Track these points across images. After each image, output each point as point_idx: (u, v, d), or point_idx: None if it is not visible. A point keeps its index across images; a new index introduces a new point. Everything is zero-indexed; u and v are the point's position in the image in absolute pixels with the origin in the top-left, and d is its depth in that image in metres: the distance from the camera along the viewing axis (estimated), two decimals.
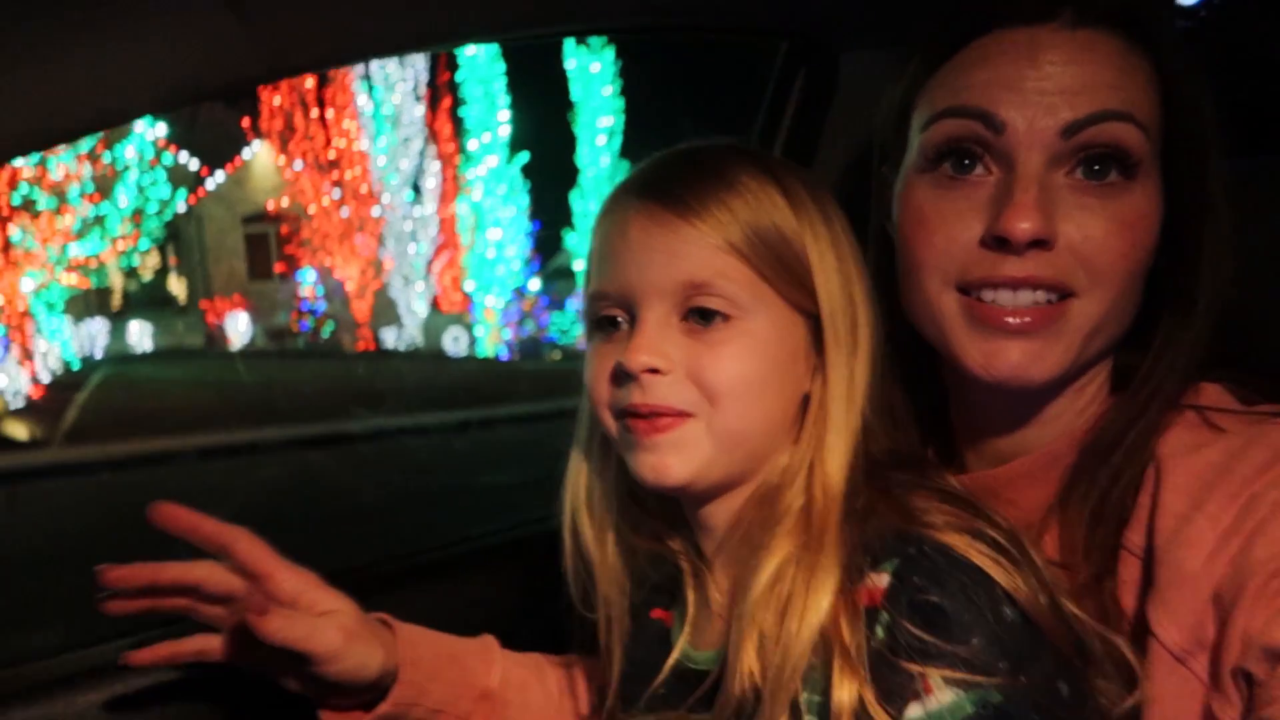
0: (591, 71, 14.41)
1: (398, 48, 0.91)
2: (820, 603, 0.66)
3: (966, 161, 0.74)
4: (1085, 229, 0.70)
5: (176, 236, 15.54)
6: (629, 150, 14.69)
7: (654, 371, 0.73)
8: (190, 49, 0.72)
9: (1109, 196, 0.71)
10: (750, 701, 0.69)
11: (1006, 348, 0.73)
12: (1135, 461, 0.73)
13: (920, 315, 0.79)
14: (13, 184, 9.70)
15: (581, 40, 14.14)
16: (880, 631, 0.63)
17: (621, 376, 0.75)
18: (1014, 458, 0.80)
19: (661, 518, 0.86)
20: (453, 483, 6.48)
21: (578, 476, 0.88)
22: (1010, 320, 0.72)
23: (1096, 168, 0.71)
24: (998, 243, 0.71)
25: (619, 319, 0.77)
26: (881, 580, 0.64)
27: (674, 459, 0.74)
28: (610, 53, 14.29)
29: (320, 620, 0.82)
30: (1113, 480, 0.73)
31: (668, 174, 0.77)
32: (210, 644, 0.86)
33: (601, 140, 14.70)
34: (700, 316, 0.73)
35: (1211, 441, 0.70)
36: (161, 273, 15.80)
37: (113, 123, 0.73)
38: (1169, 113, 0.72)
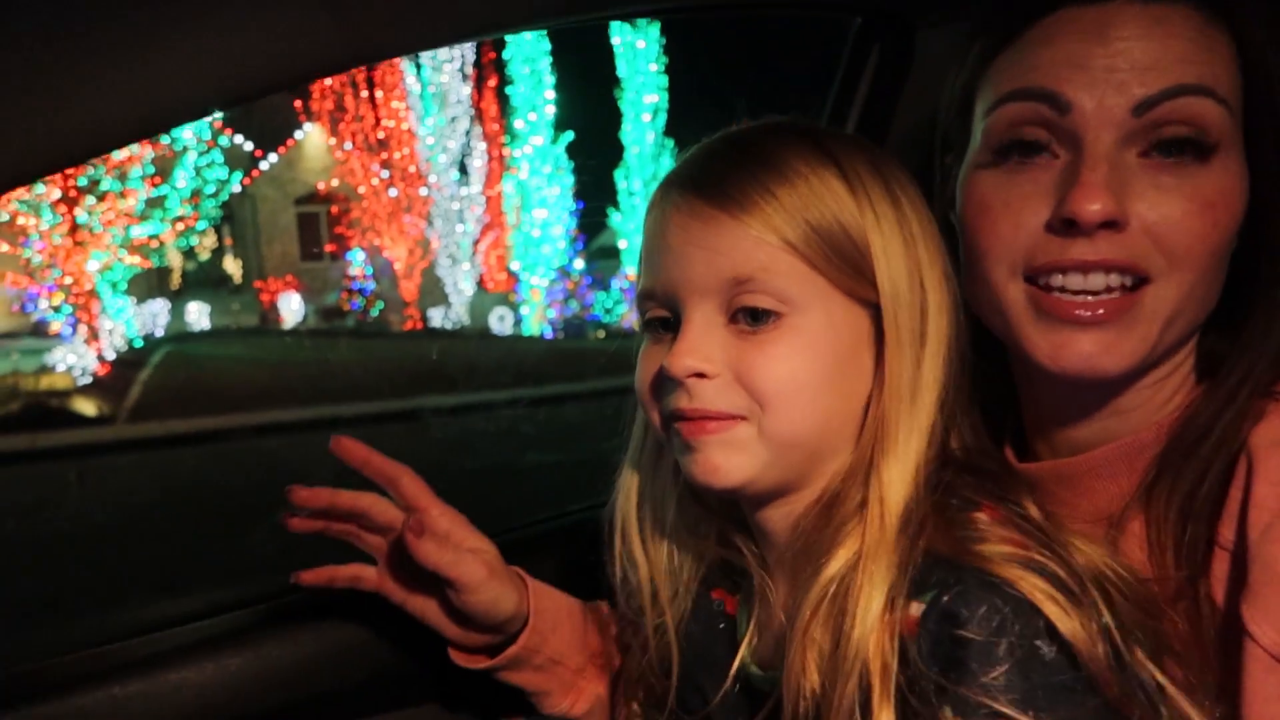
0: (637, 48, 14.30)
1: (474, 33, 0.91)
2: (868, 623, 0.63)
3: (1034, 149, 0.71)
4: (1160, 209, 0.67)
5: (231, 218, 15.82)
6: (675, 128, 14.59)
7: (700, 375, 0.70)
8: (281, 37, 0.73)
9: (1186, 175, 0.67)
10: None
11: (1077, 339, 0.70)
12: (1225, 453, 0.69)
13: (986, 306, 0.76)
14: (79, 168, 9.97)
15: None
16: (910, 663, 0.61)
17: (667, 381, 0.72)
18: (1088, 449, 0.77)
19: (725, 517, 0.84)
20: (506, 461, 6.54)
21: (630, 481, 0.86)
22: (1080, 312, 0.69)
23: (1172, 148, 0.68)
24: (1065, 226, 0.68)
25: (667, 319, 0.74)
26: (917, 610, 0.62)
27: (724, 459, 0.71)
28: (656, 29, 14.16)
29: (466, 553, 0.87)
30: (1201, 473, 0.70)
31: (710, 163, 0.74)
32: (365, 572, 0.93)
33: (647, 118, 14.61)
34: (750, 316, 0.70)
35: None
36: (218, 253, 16.11)
37: (208, 111, 0.75)
38: (1251, 87, 0.69)
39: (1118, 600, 0.63)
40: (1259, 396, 0.71)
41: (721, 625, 0.85)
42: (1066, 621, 0.59)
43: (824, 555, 0.68)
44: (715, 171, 0.72)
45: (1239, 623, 0.65)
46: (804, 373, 0.69)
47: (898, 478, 0.68)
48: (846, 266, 0.69)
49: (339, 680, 1.01)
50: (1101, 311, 0.69)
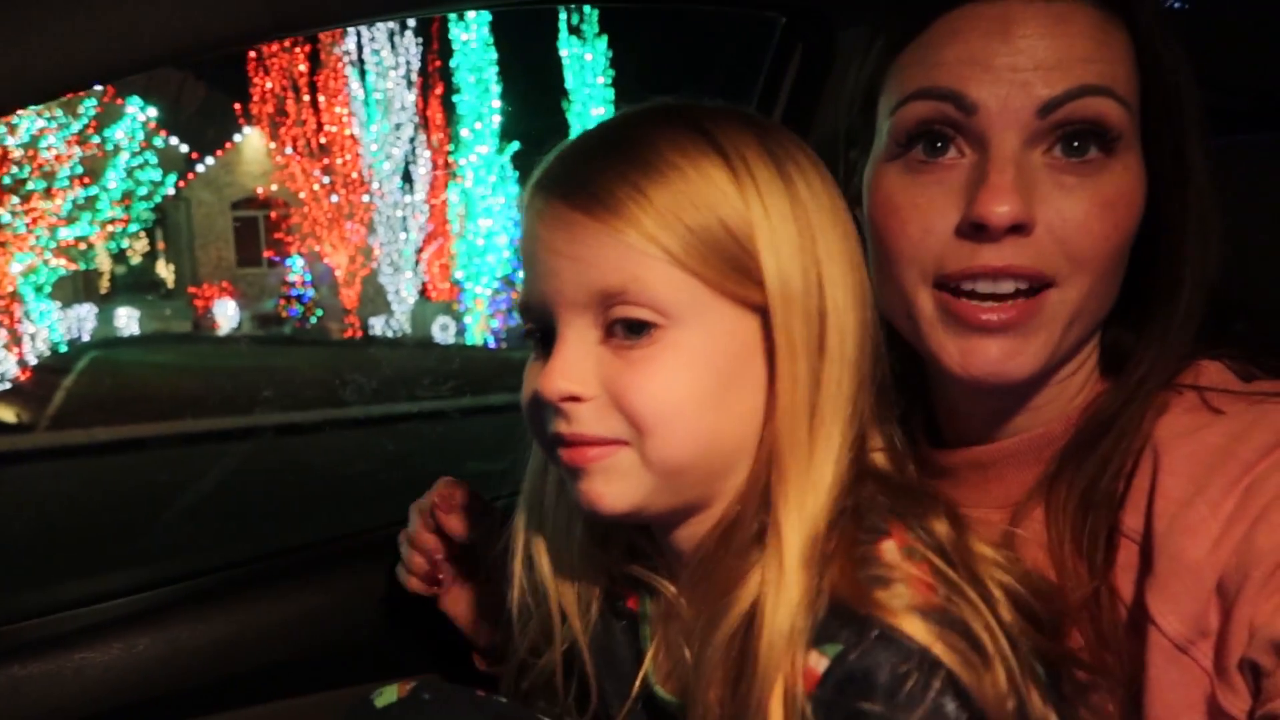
0: (585, 60, 14.35)
1: (400, 7, 0.91)
2: (769, 672, 0.58)
3: (938, 144, 0.70)
4: (1064, 212, 0.67)
5: (165, 221, 15.41)
6: None
7: (574, 399, 0.63)
8: (200, 1, 0.72)
9: (1088, 174, 0.68)
10: None
11: (984, 345, 0.70)
12: (1126, 446, 0.70)
13: (895, 310, 0.75)
14: (2, 166, 9.61)
15: (575, 30, 14.09)
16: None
17: (545, 404, 0.65)
18: (1000, 440, 0.78)
19: (635, 529, 0.76)
20: (436, 469, 6.47)
21: (532, 502, 0.78)
22: (986, 317, 0.69)
23: (1075, 144, 0.68)
24: (974, 230, 0.68)
25: (543, 336, 0.67)
26: (818, 664, 0.57)
27: (606, 487, 0.64)
28: (603, 41, 14.23)
29: None
30: (1102, 465, 0.71)
31: (576, 161, 0.66)
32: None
33: None
34: (628, 330, 0.62)
35: (1211, 423, 0.68)
36: (150, 257, 15.67)
37: (118, 74, 0.74)
38: (1148, 85, 0.70)
39: (1019, 630, 0.60)
40: (1162, 389, 0.72)
41: (629, 636, 0.79)
42: (977, 683, 0.55)
43: (729, 590, 0.62)
44: (580, 170, 0.65)
45: (1144, 611, 0.65)
46: (684, 392, 0.62)
47: (795, 506, 0.61)
48: (730, 269, 0.62)
49: (250, 661, 1.00)
50: (1008, 316, 0.69)
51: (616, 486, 0.64)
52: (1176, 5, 0.82)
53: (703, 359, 0.63)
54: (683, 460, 0.64)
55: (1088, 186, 0.68)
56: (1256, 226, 0.83)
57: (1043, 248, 0.68)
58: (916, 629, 0.55)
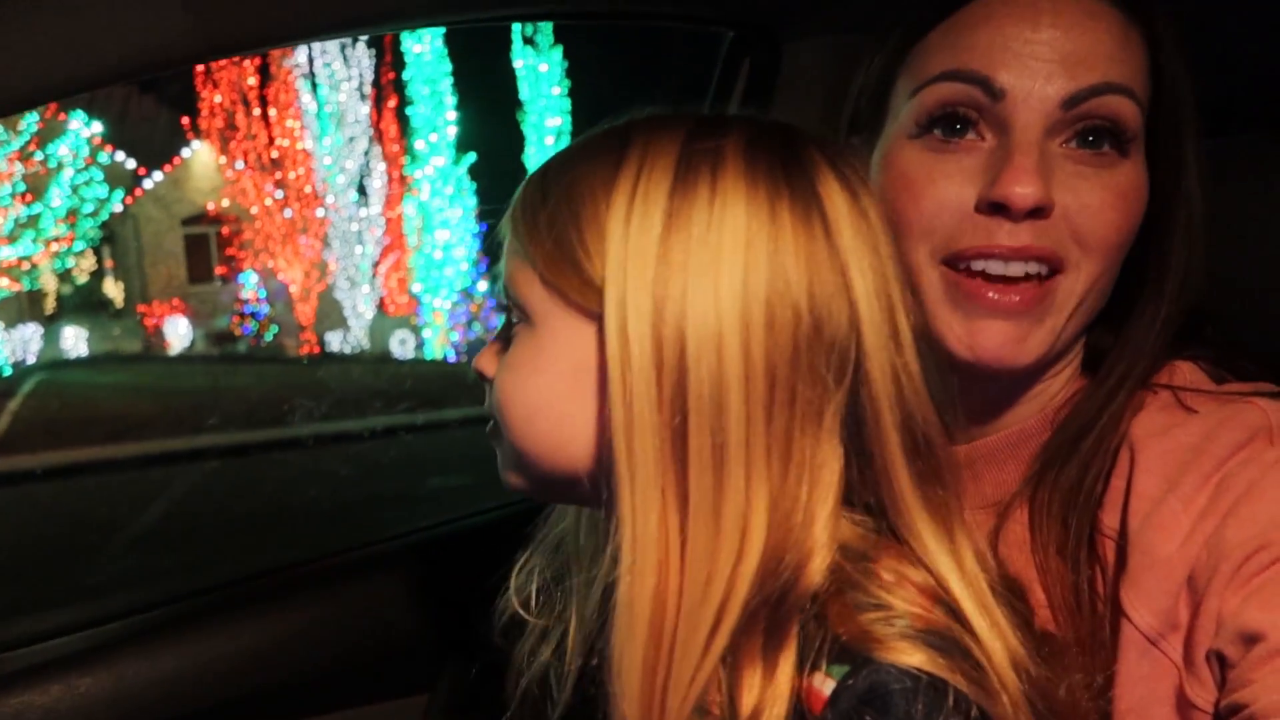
0: (540, 71, 14.34)
1: (338, 29, 0.90)
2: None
3: (958, 126, 0.71)
4: (1082, 198, 0.68)
5: (112, 239, 15.06)
6: None
7: (484, 379, 0.69)
8: (128, 23, 0.71)
9: (1104, 168, 0.69)
10: None
11: (991, 327, 0.70)
12: (1105, 446, 0.71)
13: None
14: None
15: (529, 41, 14.07)
16: None
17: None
18: (980, 438, 0.79)
19: None
20: (397, 488, 6.39)
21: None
22: (995, 297, 0.69)
23: (1091, 139, 0.69)
24: (993, 209, 0.68)
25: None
26: (825, 686, 0.56)
27: (499, 462, 0.70)
28: (558, 52, 14.24)
29: None
30: (1083, 466, 0.72)
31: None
32: None
33: (550, 140, 14.62)
34: (515, 322, 0.67)
35: (1184, 422, 0.69)
36: (97, 276, 15.29)
37: (47, 98, 0.72)
38: (1159, 92, 0.72)
39: (1018, 642, 0.60)
40: (1139, 388, 0.73)
41: None
42: (989, 703, 0.55)
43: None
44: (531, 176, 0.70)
45: (1117, 606, 0.67)
46: (524, 390, 0.65)
47: (626, 538, 0.58)
48: (581, 284, 0.61)
49: (200, 698, 0.97)
50: (1017, 299, 0.69)
51: (501, 462, 0.70)
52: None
53: (549, 363, 0.63)
54: (525, 452, 0.66)
55: (1103, 178, 0.69)
56: (1231, 229, 0.85)
57: (1058, 232, 0.69)
58: (921, 658, 0.54)
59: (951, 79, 0.70)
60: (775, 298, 0.57)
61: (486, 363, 0.70)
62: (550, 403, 0.63)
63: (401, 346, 14.32)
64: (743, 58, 1.29)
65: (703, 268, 0.57)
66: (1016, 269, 0.69)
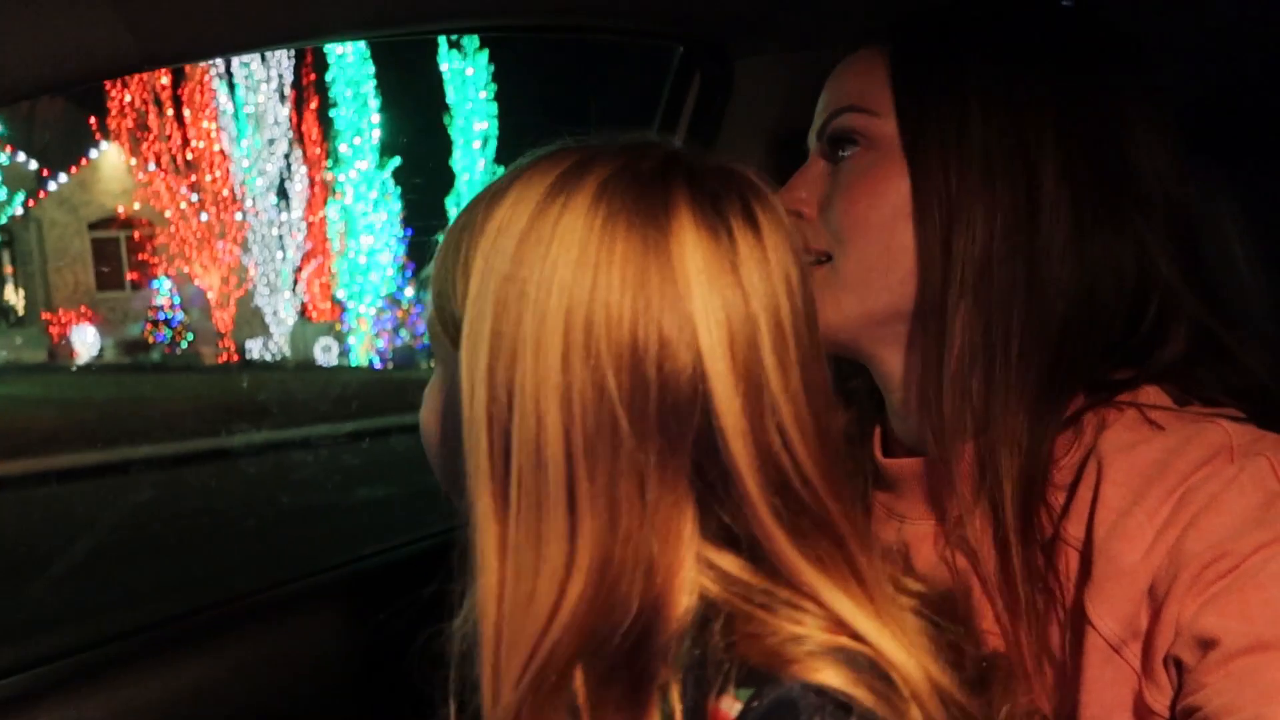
0: (466, 75, 14.20)
1: (277, 40, 0.86)
2: None
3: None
4: (829, 198, 0.80)
5: (13, 243, 14.35)
6: (507, 156, 14.54)
7: None
8: (58, 32, 0.66)
9: (844, 169, 0.80)
10: None
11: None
12: (1067, 460, 0.74)
13: None
14: None
15: (455, 44, 13.91)
16: None
17: None
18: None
19: None
20: (330, 498, 6.23)
21: None
22: None
23: (840, 150, 0.81)
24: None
25: None
26: (732, 708, 0.54)
27: None
28: (484, 56, 14.12)
29: None
30: (1039, 477, 0.74)
31: None
32: None
33: (477, 145, 14.49)
34: None
35: (1151, 438, 0.71)
36: None
37: None
38: (905, 100, 0.79)
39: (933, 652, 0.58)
40: (1105, 406, 0.75)
41: None
42: (892, 713, 0.53)
43: None
44: None
45: (1082, 614, 0.69)
46: (429, 417, 0.68)
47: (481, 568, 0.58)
48: (450, 321, 0.62)
49: None
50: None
51: None
52: (1066, 3, 0.88)
53: (433, 394, 0.68)
54: (439, 476, 0.68)
55: (839, 177, 0.81)
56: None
57: (817, 229, 0.81)
58: (828, 674, 0.53)
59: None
60: (601, 348, 0.54)
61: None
62: (433, 432, 0.67)
63: (325, 354, 13.99)
64: (693, 72, 1.28)
65: (534, 312, 0.55)
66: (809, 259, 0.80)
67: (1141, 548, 0.66)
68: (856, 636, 0.56)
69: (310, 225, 14.51)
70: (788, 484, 0.56)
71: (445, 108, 14.28)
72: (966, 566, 0.77)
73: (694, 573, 0.57)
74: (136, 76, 13.04)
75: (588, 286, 0.54)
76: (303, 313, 14.62)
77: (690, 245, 0.55)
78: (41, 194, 14.33)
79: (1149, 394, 0.76)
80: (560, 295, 0.54)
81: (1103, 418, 0.75)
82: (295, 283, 14.42)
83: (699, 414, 0.55)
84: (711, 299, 0.54)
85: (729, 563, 0.58)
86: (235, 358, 13.97)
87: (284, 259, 14.29)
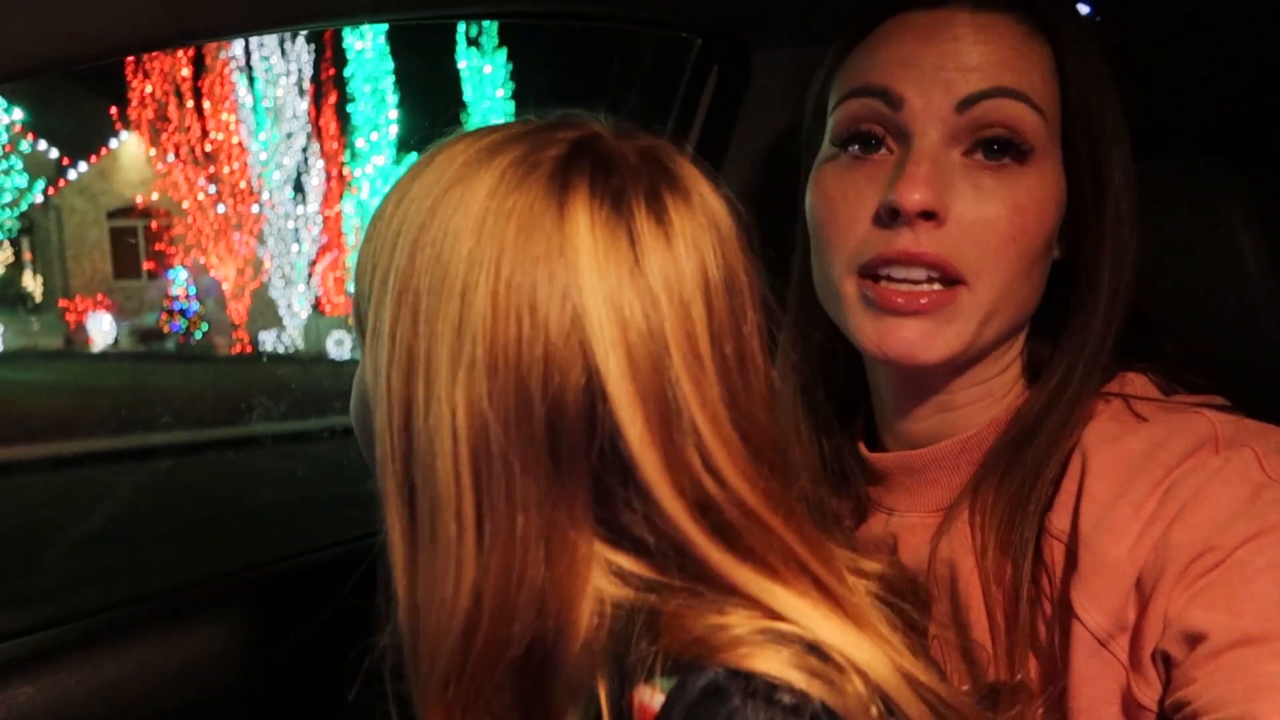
0: (484, 73, 14.23)
1: (305, 19, 0.88)
2: None
3: (872, 142, 0.75)
4: (976, 209, 0.71)
5: (32, 230, 14.46)
6: None
7: None
8: (93, 5, 0.68)
9: (1003, 178, 0.71)
10: None
11: (899, 325, 0.73)
12: (1053, 451, 0.73)
13: (826, 299, 0.80)
14: None
15: (473, 42, 13.96)
16: None
17: None
18: (929, 444, 0.81)
19: None
20: (328, 492, 6.26)
21: None
22: (900, 300, 0.72)
23: (995, 147, 0.72)
24: (890, 216, 0.71)
25: None
26: (655, 700, 0.51)
27: None
28: (503, 54, 14.15)
29: None
30: (1029, 471, 0.73)
31: None
32: None
33: None
34: None
35: (1135, 430, 0.71)
36: (15, 268, 14.66)
37: (12, 78, 0.68)
38: (1067, 98, 0.74)
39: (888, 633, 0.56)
40: (1090, 398, 0.75)
41: None
42: (839, 701, 0.50)
43: None
44: None
45: (1068, 608, 0.68)
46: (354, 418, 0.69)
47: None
48: (361, 317, 0.63)
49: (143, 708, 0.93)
50: (925, 301, 0.72)
51: None
52: (1087, 12, 0.87)
53: (357, 386, 0.66)
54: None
55: (1001, 188, 0.71)
56: (1175, 252, 0.88)
57: (954, 240, 0.71)
58: (758, 659, 0.50)
59: (857, 94, 0.75)
60: (489, 366, 0.51)
61: None
62: (359, 432, 0.65)
63: (338, 347, 14.04)
64: (710, 65, 1.29)
65: (426, 323, 0.52)
66: (918, 273, 0.72)
67: (1128, 541, 0.66)
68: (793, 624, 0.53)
69: (326, 219, 14.55)
70: (713, 504, 0.53)
71: (463, 105, 14.31)
72: (954, 558, 0.77)
73: (602, 583, 0.54)
74: (157, 67, 13.14)
75: (478, 297, 0.51)
76: (316, 306, 14.68)
77: (585, 253, 0.51)
78: (62, 182, 14.43)
79: (1134, 382, 0.76)
80: (450, 304, 0.51)
81: (1090, 409, 0.74)
82: (310, 276, 14.46)
83: (601, 435, 0.51)
84: (607, 313, 0.50)
85: (644, 569, 0.55)
86: (249, 349, 14.03)
87: (299, 252, 14.35)
